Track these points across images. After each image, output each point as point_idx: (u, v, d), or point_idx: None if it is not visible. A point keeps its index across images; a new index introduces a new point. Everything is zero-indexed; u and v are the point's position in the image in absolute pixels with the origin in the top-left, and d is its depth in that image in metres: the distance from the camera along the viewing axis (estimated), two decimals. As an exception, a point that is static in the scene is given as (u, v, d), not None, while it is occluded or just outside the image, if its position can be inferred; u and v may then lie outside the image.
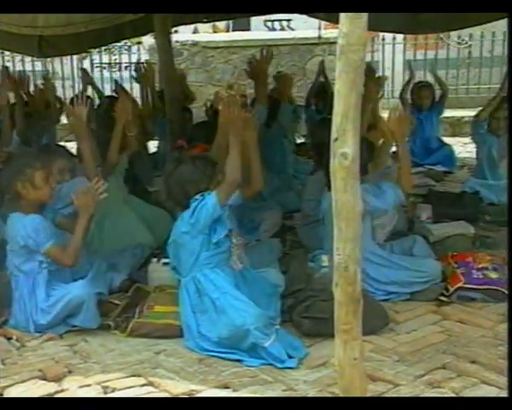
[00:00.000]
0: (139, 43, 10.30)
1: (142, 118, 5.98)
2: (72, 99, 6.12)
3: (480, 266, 4.10)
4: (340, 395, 2.43)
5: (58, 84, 9.73)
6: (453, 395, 2.95)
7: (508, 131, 4.16)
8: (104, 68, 10.32)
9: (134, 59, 10.32)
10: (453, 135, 8.98)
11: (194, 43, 9.55)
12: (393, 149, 4.32)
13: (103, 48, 9.60)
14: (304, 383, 3.08)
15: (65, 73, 10.17)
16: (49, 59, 9.26)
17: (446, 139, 7.80)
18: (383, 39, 9.94)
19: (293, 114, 6.60)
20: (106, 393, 3.07)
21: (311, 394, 2.99)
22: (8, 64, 8.85)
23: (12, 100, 6.16)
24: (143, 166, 5.79)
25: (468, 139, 7.44)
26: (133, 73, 7.62)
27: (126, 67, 10.36)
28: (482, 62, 9.91)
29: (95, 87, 7.35)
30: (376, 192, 3.97)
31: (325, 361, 3.25)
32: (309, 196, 4.78)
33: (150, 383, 3.14)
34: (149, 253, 4.44)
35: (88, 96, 7.07)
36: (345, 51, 2.10)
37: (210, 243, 3.48)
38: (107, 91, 7.83)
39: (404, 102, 7.39)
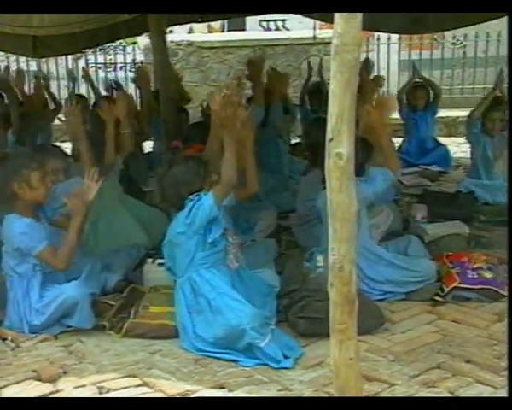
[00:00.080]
0: (134, 43, 10.29)
1: (139, 118, 5.97)
2: (67, 100, 6.11)
3: (474, 265, 4.11)
4: (336, 395, 2.43)
5: (53, 84, 9.74)
6: (448, 394, 2.96)
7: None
8: (99, 68, 10.30)
9: (129, 59, 10.32)
10: (448, 135, 9.00)
11: (190, 44, 9.54)
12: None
13: (98, 48, 9.58)
14: (299, 383, 3.09)
15: (60, 73, 10.14)
16: (43, 59, 9.24)
17: (441, 139, 7.82)
18: (378, 39, 9.95)
19: (288, 114, 6.59)
20: (101, 393, 3.07)
21: (307, 394, 2.99)
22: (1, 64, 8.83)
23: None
24: (138, 167, 5.78)
25: (462, 139, 7.45)
26: (128, 74, 7.63)
27: (121, 68, 10.35)
28: (477, 62, 9.92)
29: (93, 87, 7.34)
30: (365, 180, 3.94)
31: (321, 361, 3.25)
32: (303, 196, 4.78)
33: (145, 384, 3.14)
34: (144, 253, 4.43)
35: (82, 96, 7.09)
36: (339, 51, 2.10)
37: (205, 243, 3.48)
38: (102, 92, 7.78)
39: (401, 101, 7.39)
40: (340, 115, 2.15)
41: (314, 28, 8.54)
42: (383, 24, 6.04)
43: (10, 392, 3.10)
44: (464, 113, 7.30)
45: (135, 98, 7.66)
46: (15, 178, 3.64)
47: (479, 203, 5.60)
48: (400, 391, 2.98)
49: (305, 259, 4.15)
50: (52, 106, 7.07)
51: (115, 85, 6.73)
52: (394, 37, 9.84)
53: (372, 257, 4.00)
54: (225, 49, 9.51)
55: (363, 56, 9.49)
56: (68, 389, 3.10)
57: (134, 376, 3.21)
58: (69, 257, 3.66)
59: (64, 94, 9.12)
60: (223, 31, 11.43)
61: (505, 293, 3.92)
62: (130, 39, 9.61)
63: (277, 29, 11.46)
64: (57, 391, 3.10)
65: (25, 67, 9.33)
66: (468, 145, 6.43)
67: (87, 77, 7.59)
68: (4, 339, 3.63)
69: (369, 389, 2.96)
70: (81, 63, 10.08)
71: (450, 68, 10.05)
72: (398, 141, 7.48)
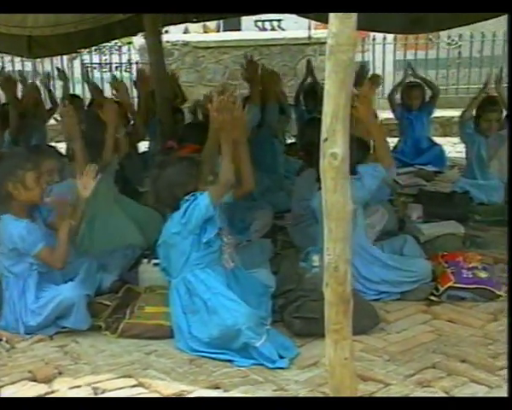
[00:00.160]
0: (129, 43, 10.29)
1: (134, 119, 5.96)
2: (63, 100, 6.11)
3: (469, 265, 4.12)
4: (331, 395, 2.43)
5: (49, 84, 9.72)
6: (443, 394, 2.96)
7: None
8: (94, 68, 10.30)
9: (124, 59, 10.31)
10: (443, 135, 9.02)
11: (185, 44, 9.53)
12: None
13: (93, 48, 9.57)
14: (295, 383, 3.09)
15: (55, 73, 10.13)
16: (38, 59, 9.22)
17: (436, 139, 7.83)
18: (373, 39, 9.97)
19: (282, 114, 6.59)
20: (96, 394, 3.06)
21: (302, 394, 2.99)
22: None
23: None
24: (134, 167, 5.77)
25: (457, 139, 7.46)
26: (124, 74, 7.62)
27: (117, 68, 10.34)
28: (471, 63, 9.95)
29: (89, 86, 7.32)
30: (359, 179, 3.91)
31: (316, 361, 3.25)
32: (298, 195, 4.78)
33: (141, 384, 3.14)
34: (140, 253, 4.43)
35: (77, 96, 7.08)
36: (334, 51, 2.11)
37: (200, 244, 3.48)
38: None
39: (393, 102, 7.41)
40: (334, 115, 2.15)
41: (309, 28, 8.56)
42: (381, 24, 6.04)
43: (5, 393, 3.09)
44: (459, 113, 7.31)
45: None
46: (10, 179, 3.63)
47: (474, 203, 5.61)
48: (395, 391, 2.98)
49: (300, 259, 4.15)
50: (48, 105, 7.05)
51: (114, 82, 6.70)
52: (389, 37, 9.86)
53: (367, 257, 4.01)
54: (221, 50, 9.51)
55: (359, 57, 9.55)
56: (63, 389, 3.10)
57: (129, 376, 3.21)
58: (65, 256, 3.67)
59: (59, 94, 9.10)
60: (218, 31, 11.43)
61: (500, 293, 3.93)
62: (125, 39, 9.60)
63: (273, 29, 11.46)
64: (52, 392, 3.09)
65: (20, 68, 9.34)
66: (463, 145, 6.45)
67: (63, 77, 7.54)
68: (-1, 340, 3.63)
69: (365, 389, 2.97)
70: (76, 63, 10.08)
71: (445, 68, 10.07)
72: (393, 141, 7.50)
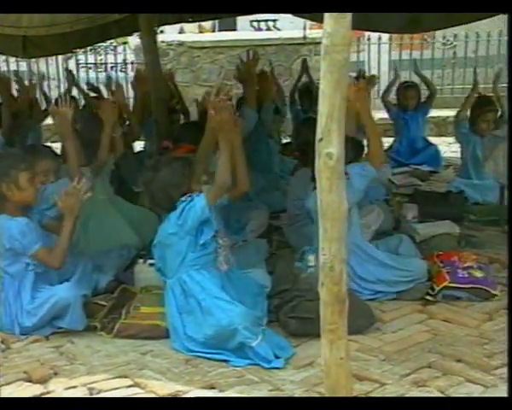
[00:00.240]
0: (125, 43, 10.26)
1: (130, 119, 5.96)
2: (57, 99, 6.09)
3: (465, 265, 4.13)
4: (327, 395, 2.44)
5: (43, 84, 9.70)
6: (439, 393, 2.97)
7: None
8: (90, 68, 10.28)
9: (120, 59, 10.29)
10: (438, 135, 9.02)
11: (180, 44, 9.51)
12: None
13: (89, 48, 9.56)
14: (290, 383, 3.09)
15: (50, 73, 10.12)
16: (33, 59, 9.20)
17: (432, 139, 7.84)
18: (369, 39, 9.97)
19: (277, 114, 6.59)
20: (92, 394, 3.06)
21: (298, 394, 2.99)
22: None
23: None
24: (129, 167, 5.76)
25: (453, 139, 7.47)
26: (119, 74, 7.61)
27: (112, 68, 10.33)
28: (466, 63, 9.96)
29: (79, 88, 7.32)
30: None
31: (312, 361, 3.26)
32: (293, 195, 4.78)
33: (136, 385, 3.13)
34: (135, 254, 4.43)
35: (72, 97, 7.06)
36: (329, 51, 2.11)
37: (196, 245, 3.47)
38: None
39: (386, 103, 7.42)
40: (329, 115, 2.15)
41: (304, 28, 8.55)
42: (378, 24, 6.04)
43: (1, 394, 3.08)
44: (454, 113, 7.31)
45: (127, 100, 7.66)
46: (4, 180, 3.62)
47: (469, 203, 5.62)
48: (391, 390, 2.99)
49: (296, 259, 4.15)
50: (43, 106, 7.03)
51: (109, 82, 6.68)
52: (385, 37, 9.87)
53: (363, 256, 4.01)
54: (216, 50, 9.49)
55: (354, 57, 9.56)
56: (59, 390, 3.10)
57: (125, 376, 3.21)
58: (63, 255, 3.66)
59: (54, 94, 9.09)
60: (213, 31, 11.41)
61: (496, 292, 3.94)
62: (120, 39, 9.58)
63: (268, 29, 11.45)
64: (48, 392, 3.09)
65: (15, 68, 9.31)
66: (459, 145, 6.46)
67: (72, 78, 7.54)
68: (-5, 341, 3.62)
69: (360, 389, 2.97)
70: (71, 63, 10.06)
71: (440, 68, 10.08)
72: (388, 141, 7.51)
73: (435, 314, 3.79)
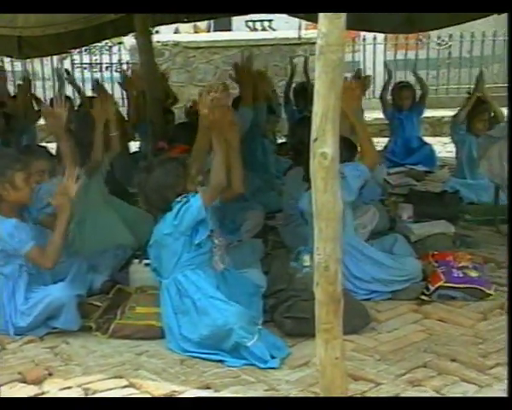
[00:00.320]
0: (120, 43, 10.25)
1: (122, 120, 5.96)
2: (51, 100, 6.09)
3: (460, 264, 4.14)
4: (322, 395, 2.44)
5: (38, 84, 9.70)
6: (434, 393, 2.97)
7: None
8: (85, 69, 10.26)
9: (115, 59, 10.28)
10: (433, 135, 9.04)
11: (176, 44, 9.52)
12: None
13: (84, 48, 9.54)
14: (286, 383, 3.09)
15: (45, 73, 10.10)
16: (28, 59, 9.19)
17: (427, 139, 7.85)
18: (364, 40, 9.99)
19: (272, 114, 6.59)
20: (87, 395, 3.05)
21: (293, 393, 2.99)
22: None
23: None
24: (124, 167, 5.76)
25: (448, 139, 7.49)
26: (114, 74, 7.60)
27: (107, 68, 10.32)
28: (461, 63, 9.98)
29: (76, 86, 7.32)
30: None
31: (307, 361, 3.26)
32: (288, 195, 4.78)
33: (132, 385, 3.13)
34: (131, 254, 4.42)
35: (67, 97, 7.06)
36: (324, 51, 2.11)
37: (192, 245, 3.47)
38: (88, 92, 7.76)
39: (384, 101, 7.43)
40: (324, 115, 2.15)
41: (299, 28, 8.56)
42: (374, 24, 6.04)
43: (-3, 394, 3.08)
44: (450, 113, 7.33)
45: (120, 100, 7.67)
46: (-1, 179, 3.62)
47: (464, 203, 5.63)
48: (386, 390, 2.99)
49: (291, 259, 4.15)
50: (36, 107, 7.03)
51: (97, 85, 6.68)
52: (380, 37, 9.88)
53: (358, 255, 4.01)
54: (211, 50, 9.49)
55: (349, 57, 9.57)
56: (54, 390, 3.09)
57: (120, 377, 3.20)
58: (56, 255, 3.64)
59: (50, 94, 9.09)
60: (209, 31, 11.41)
61: (490, 292, 3.94)
62: (115, 39, 9.56)
63: (263, 29, 11.46)
64: (42, 393, 3.08)
65: (9, 68, 9.30)
66: (454, 145, 6.47)
67: (69, 77, 7.55)
68: (-11, 342, 3.61)
69: (356, 389, 2.97)
70: (66, 63, 10.04)
71: (435, 69, 10.10)
72: (384, 141, 7.53)
73: (430, 314, 3.79)
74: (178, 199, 3.47)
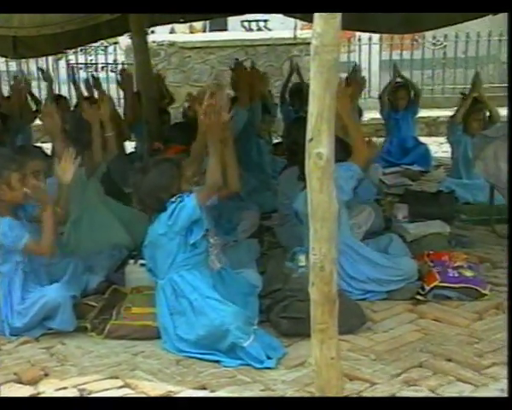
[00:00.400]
0: (115, 43, 10.24)
1: (118, 120, 5.94)
2: (46, 100, 6.08)
3: (455, 264, 4.14)
4: (317, 395, 2.44)
5: (34, 84, 9.67)
6: (430, 393, 2.98)
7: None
8: (80, 69, 10.25)
9: (110, 59, 10.27)
10: (429, 135, 9.05)
11: (171, 44, 9.51)
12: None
13: (79, 48, 9.53)
14: (282, 383, 3.09)
15: (40, 73, 10.07)
16: (23, 59, 9.18)
17: (422, 139, 7.86)
18: (359, 40, 9.99)
19: (268, 114, 6.59)
20: (82, 395, 3.05)
21: (289, 393, 2.99)
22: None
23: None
24: (120, 168, 5.75)
25: (443, 139, 7.50)
26: (110, 74, 7.59)
27: (103, 68, 10.30)
28: (456, 63, 9.99)
29: (76, 86, 7.29)
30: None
31: (303, 361, 3.26)
32: (283, 195, 4.77)
33: (128, 385, 3.13)
34: (126, 254, 4.42)
35: (63, 97, 7.05)
36: (319, 52, 2.11)
37: (187, 245, 3.47)
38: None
39: (383, 102, 7.43)
40: (319, 115, 2.15)
41: (294, 28, 8.56)
42: (369, 24, 6.05)
43: (-9, 395, 3.08)
44: (445, 113, 7.35)
45: (116, 100, 7.65)
46: (-5, 179, 3.62)
47: (459, 203, 5.64)
48: (382, 390, 3.00)
49: (287, 259, 4.16)
50: (33, 107, 7.01)
51: (93, 81, 6.65)
52: (375, 37, 9.89)
53: (354, 255, 4.01)
54: (207, 50, 9.49)
55: (345, 57, 9.57)
56: (49, 391, 3.09)
57: (116, 377, 3.20)
58: (51, 242, 3.67)
59: (44, 94, 9.07)
60: (204, 31, 11.41)
61: (486, 291, 3.95)
62: (111, 39, 9.55)
63: (259, 29, 11.46)
64: (38, 394, 3.08)
65: (4, 68, 9.28)
66: (449, 145, 6.48)
67: (48, 78, 7.50)
68: (-16, 342, 3.60)
69: (351, 388, 2.98)
70: (62, 63, 10.03)
71: (430, 69, 10.12)
72: (380, 141, 7.52)
73: (426, 314, 3.80)
74: (173, 199, 3.47)
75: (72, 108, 6.68)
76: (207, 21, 10.89)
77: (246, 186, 5.07)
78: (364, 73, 9.09)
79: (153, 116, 6.00)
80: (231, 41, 9.45)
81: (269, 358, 3.28)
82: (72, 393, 3.06)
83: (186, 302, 3.42)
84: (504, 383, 2.95)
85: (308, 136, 2.20)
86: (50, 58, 9.77)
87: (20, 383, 3.18)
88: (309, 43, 2.18)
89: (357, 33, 9.56)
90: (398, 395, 2.95)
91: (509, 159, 3.73)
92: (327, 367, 2.39)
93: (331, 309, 2.33)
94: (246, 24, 11.47)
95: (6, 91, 7.34)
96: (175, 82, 9.17)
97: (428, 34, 9.49)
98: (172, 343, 3.43)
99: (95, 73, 9.55)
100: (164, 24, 7.66)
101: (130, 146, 6.96)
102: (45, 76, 7.25)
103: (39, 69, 8.01)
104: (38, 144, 5.86)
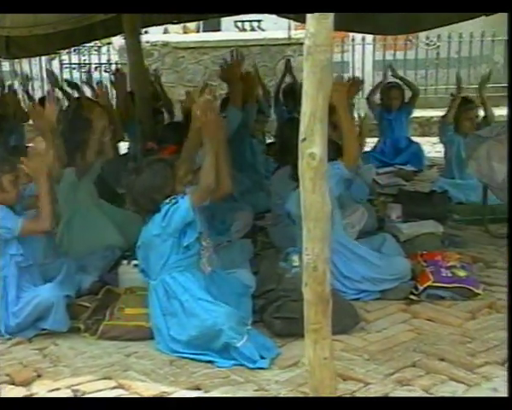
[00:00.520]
0: (109, 43, 10.22)
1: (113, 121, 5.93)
2: (40, 99, 6.06)
3: (448, 264, 4.15)
4: (311, 395, 2.44)
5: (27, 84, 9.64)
6: (423, 392, 2.98)
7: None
8: (74, 69, 10.23)
9: (104, 59, 10.25)
10: (422, 135, 9.06)
11: (165, 44, 9.50)
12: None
13: (73, 48, 9.51)
14: (275, 383, 3.09)
15: (33, 73, 10.05)
16: (16, 59, 9.15)
17: (415, 139, 7.87)
18: (353, 40, 10.00)
19: (261, 114, 6.59)
20: (76, 396, 3.04)
21: (283, 394, 3.00)
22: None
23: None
24: (113, 169, 5.74)
25: (436, 139, 7.51)
26: (104, 74, 7.57)
27: (96, 68, 10.28)
28: (450, 63, 10.02)
29: (62, 90, 7.29)
30: None
31: (297, 361, 3.26)
32: (276, 195, 4.78)
33: (121, 386, 3.13)
34: (120, 255, 4.41)
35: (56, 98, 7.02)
36: (312, 52, 2.11)
37: (180, 247, 3.46)
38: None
39: (371, 102, 7.44)
40: (312, 115, 2.15)
41: (289, 28, 8.57)
42: (367, 25, 6.05)
43: (-16, 396, 3.07)
44: (438, 113, 7.35)
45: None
46: (-13, 181, 3.61)
47: (452, 203, 5.65)
48: (375, 390, 3.00)
49: (280, 259, 4.15)
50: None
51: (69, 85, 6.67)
52: (369, 38, 9.90)
53: (347, 254, 4.01)
54: (201, 50, 9.48)
55: (338, 57, 9.58)
56: (42, 392, 3.08)
57: (109, 378, 3.20)
58: (49, 215, 3.65)
59: (38, 94, 9.04)
60: (198, 31, 11.40)
61: (479, 291, 3.96)
62: (104, 40, 9.53)
63: (252, 30, 11.46)
64: (31, 395, 3.07)
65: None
66: (442, 145, 6.50)
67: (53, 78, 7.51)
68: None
69: (345, 388, 2.98)
70: (55, 64, 10.00)
71: (423, 69, 10.14)
72: (373, 141, 7.54)
73: (419, 314, 3.80)
74: (167, 200, 3.46)
75: (64, 109, 6.66)
76: (201, 22, 10.89)
77: (239, 186, 5.07)
78: (358, 74, 9.14)
79: (146, 116, 5.99)
80: (225, 41, 9.44)
81: (262, 358, 3.28)
82: (65, 394, 3.06)
83: (177, 303, 3.42)
84: (497, 383, 2.97)
85: (301, 136, 2.20)
86: (44, 58, 9.75)
87: (13, 384, 3.17)
88: (302, 44, 2.18)
89: (351, 33, 9.56)
90: (392, 394, 2.96)
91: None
92: (320, 367, 2.39)
93: (324, 309, 2.33)
94: (239, 24, 11.47)
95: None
96: (168, 82, 9.15)
97: (422, 34, 9.51)
98: (165, 344, 3.42)
99: (87, 74, 9.54)
100: (157, 24, 7.65)
101: (123, 146, 6.95)
102: (51, 79, 7.25)
103: (47, 70, 8.00)
104: (32, 144, 5.85)
